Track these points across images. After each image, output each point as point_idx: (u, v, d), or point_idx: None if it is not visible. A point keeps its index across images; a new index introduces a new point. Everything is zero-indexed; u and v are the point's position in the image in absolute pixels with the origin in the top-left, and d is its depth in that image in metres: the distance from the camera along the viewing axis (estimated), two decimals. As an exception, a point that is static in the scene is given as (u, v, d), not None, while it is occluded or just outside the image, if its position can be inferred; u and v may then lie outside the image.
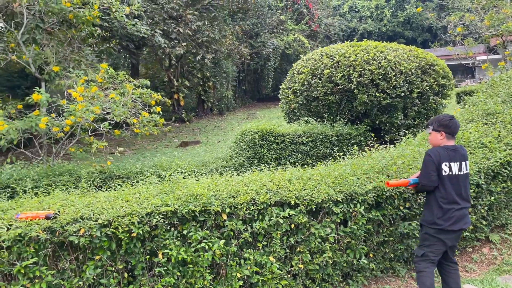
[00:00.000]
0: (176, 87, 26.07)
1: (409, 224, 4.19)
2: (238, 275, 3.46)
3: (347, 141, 8.25)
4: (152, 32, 15.19)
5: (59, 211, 2.93)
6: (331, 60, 8.53)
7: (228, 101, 29.75)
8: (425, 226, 3.43)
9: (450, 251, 3.45)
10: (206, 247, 3.23)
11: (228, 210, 3.37)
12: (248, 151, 7.39)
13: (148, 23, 16.35)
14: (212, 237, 3.34)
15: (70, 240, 2.79)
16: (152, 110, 7.21)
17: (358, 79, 8.11)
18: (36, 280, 2.76)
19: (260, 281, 3.56)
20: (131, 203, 3.19)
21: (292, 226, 3.66)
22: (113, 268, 3.04)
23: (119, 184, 4.56)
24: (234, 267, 3.45)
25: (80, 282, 2.89)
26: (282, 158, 7.56)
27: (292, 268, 3.77)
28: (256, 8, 31.73)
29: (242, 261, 3.49)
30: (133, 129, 7.33)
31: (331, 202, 3.74)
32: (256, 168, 5.50)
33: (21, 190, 4.64)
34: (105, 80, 6.94)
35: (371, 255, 4.16)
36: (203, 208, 3.28)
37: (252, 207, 3.47)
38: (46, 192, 4.30)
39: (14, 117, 6.82)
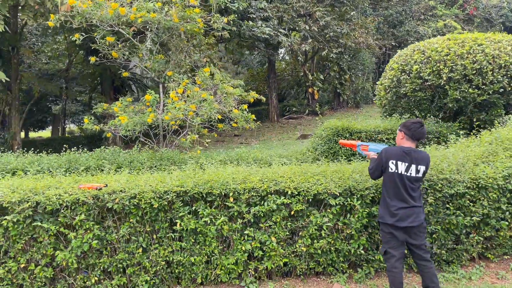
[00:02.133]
0: (311, 81, 26.96)
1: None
2: (243, 248, 4.25)
3: (436, 139, 8.03)
4: (275, 32, 16.32)
5: (106, 185, 4.16)
6: (422, 55, 8.33)
7: (365, 94, 29.36)
8: (380, 222, 3.71)
9: (414, 248, 3.64)
10: (209, 220, 4.11)
11: (231, 194, 4.18)
12: (323, 146, 7.89)
13: (276, 23, 17.58)
14: (219, 215, 4.20)
15: (108, 206, 3.99)
16: (240, 108, 8.27)
17: (449, 75, 7.80)
18: (89, 231, 4.04)
19: (265, 256, 4.29)
20: (159, 183, 4.25)
21: (292, 212, 4.27)
22: (142, 230, 4.16)
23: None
24: (238, 241, 4.25)
25: (116, 236, 4.08)
26: (359, 154, 7.84)
27: (296, 250, 4.37)
28: (401, -5, 30.54)
29: (246, 237, 4.26)
30: (239, 123, 8.57)
31: (327, 195, 4.22)
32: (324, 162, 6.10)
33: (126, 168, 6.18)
34: (202, 82, 8.24)
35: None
36: (209, 191, 4.15)
37: (253, 193, 4.21)
38: (150, 171, 5.74)
39: (142, 113, 8.64)
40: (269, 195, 4.23)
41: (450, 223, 4.36)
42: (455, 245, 4.52)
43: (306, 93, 28.23)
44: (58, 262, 4.04)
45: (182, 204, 4.17)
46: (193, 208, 4.17)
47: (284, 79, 33.66)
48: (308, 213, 4.31)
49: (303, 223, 4.31)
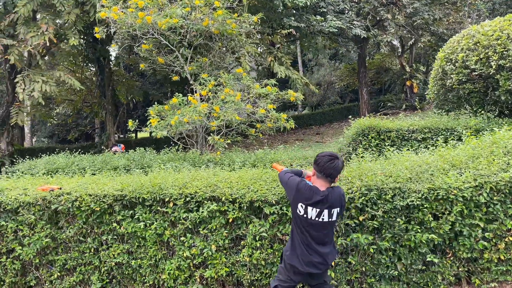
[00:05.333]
0: (409, 73, 25.10)
1: (365, 238, 3.76)
2: (184, 254, 4.18)
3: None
4: (348, 25, 15.49)
5: (60, 188, 4.45)
6: (471, 41, 7.17)
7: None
8: (283, 255, 3.27)
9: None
10: (142, 225, 4.13)
11: (167, 199, 4.13)
12: (347, 146, 7.29)
13: (351, 14, 16.67)
14: (158, 220, 4.18)
15: (52, 207, 4.26)
16: (266, 108, 8.05)
17: (499, 62, 6.60)
18: (42, 230, 4.37)
19: (208, 263, 4.17)
20: (107, 186, 4.40)
21: (230, 220, 4.05)
22: (90, 231, 4.36)
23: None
24: (179, 247, 4.20)
25: (66, 236, 4.34)
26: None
27: (240, 259, 4.15)
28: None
29: (186, 243, 4.18)
30: (271, 123, 8.45)
31: (261, 202, 3.92)
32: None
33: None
34: (228, 83, 8.23)
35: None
36: (145, 196, 4.16)
37: (189, 199, 4.11)
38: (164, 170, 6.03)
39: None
40: (205, 202, 4.09)
41: (410, 240, 3.71)
42: (425, 267, 3.84)
43: (404, 86, 26.27)
44: (22, 257, 4.46)
45: (122, 207, 4.26)
46: (132, 212, 4.24)
47: (386, 72, 31.82)
48: (249, 221, 4.06)
49: (243, 232, 4.07)
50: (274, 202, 3.90)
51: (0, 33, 12.10)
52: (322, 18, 14.75)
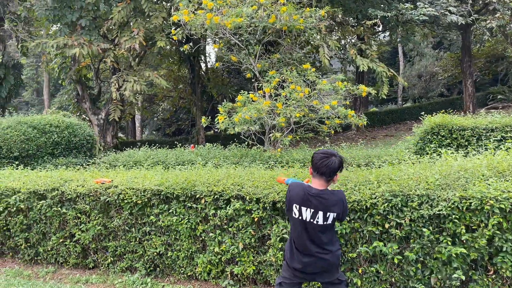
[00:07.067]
0: (524, 61, 22.30)
1: (390, 247, 3.48)
2: (215, 249, 4.32)
3: None
4: (443, 11, 14.20)
5: (111, 181, 4.87)
6: None
7: None
8: (284, 254, 3.17)
9: (323, 285, 3.03)
10: (175, 219, 4.34)
11: (198, 196, 4.29)
12: (415, 145, 6.77)
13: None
14: (191, 215, 4.37)
15: (101, 198, 4.68)
16: (329, 104, 7.83)
17: None
18: (95, 218, 4.84)
19: (236, 260, 4.26)
20: (148, 180, 4.70)
21: (256, 219, 4.07)
22: (134, 222, 4.71)
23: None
24: (209, 242, 4.34)
25: (113, 225, 4.75)
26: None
27: (267, 259, 4.15)
28: None
29: (216, 239, 4.30)
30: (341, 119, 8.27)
31: (282, 203, 3.87)
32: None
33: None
34: (294, 80, 8.16)
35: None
36: (178, 193, 4.36)
37: (217, 197, 4.21)
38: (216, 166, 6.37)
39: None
40: (232, 200, 4.16)
41: (441, 252, 3.36)
42: (460, 283, 3.46)
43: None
44: (81, 241, 4.99)
45: (160, 202, 4.52)
46: (168, 206, 4.48)
47: (501, 60, 28.64)
48: (274, 222, 4.04)
49: (268, 232, 4.07)
50: (296, 203, 3.81)
51: (103, 39, 13.48)
52: (412, 6, 13.77)
